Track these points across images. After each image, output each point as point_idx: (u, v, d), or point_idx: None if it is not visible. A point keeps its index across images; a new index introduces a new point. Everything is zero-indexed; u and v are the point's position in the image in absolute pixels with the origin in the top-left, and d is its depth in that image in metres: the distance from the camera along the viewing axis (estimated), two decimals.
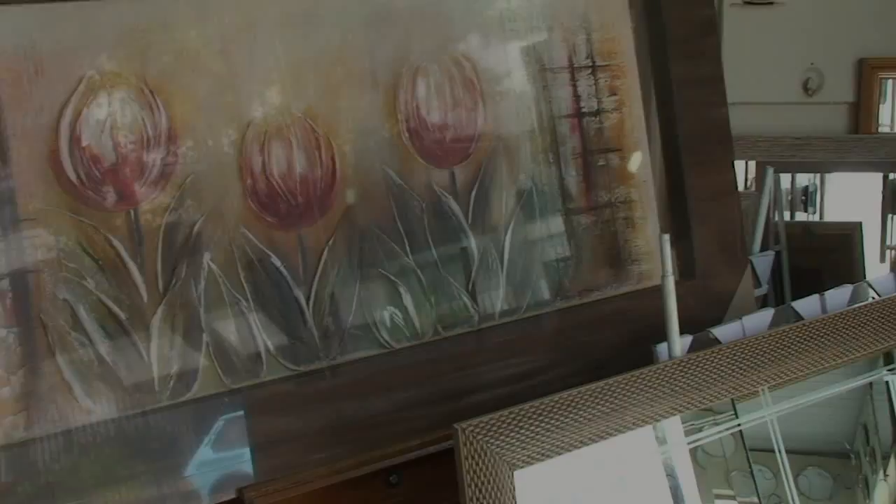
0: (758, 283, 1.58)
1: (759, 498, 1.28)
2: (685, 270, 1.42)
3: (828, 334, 1.28)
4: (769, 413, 1.27)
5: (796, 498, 1.30)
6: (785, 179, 2.19)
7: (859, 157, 1.95)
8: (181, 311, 1.09)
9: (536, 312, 1.31)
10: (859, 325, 1.31)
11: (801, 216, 2.21)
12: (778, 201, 2.05)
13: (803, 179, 2.28)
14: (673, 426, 1.19)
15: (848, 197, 2.17)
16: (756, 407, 1.27)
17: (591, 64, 1.35)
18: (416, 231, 1.22)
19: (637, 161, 1.39)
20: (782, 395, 1.30)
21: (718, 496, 1.27)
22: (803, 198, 2.47)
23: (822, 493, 1.40)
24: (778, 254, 1.97)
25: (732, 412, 1.25)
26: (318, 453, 1.14)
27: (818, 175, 2.18)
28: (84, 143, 1.03)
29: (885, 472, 1.42)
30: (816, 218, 2.19)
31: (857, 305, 1.33)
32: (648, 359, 1.22)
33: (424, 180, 1.23)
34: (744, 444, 1.28)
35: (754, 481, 1.28)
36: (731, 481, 1.28)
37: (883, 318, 1.33)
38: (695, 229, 1.41)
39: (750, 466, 1.28)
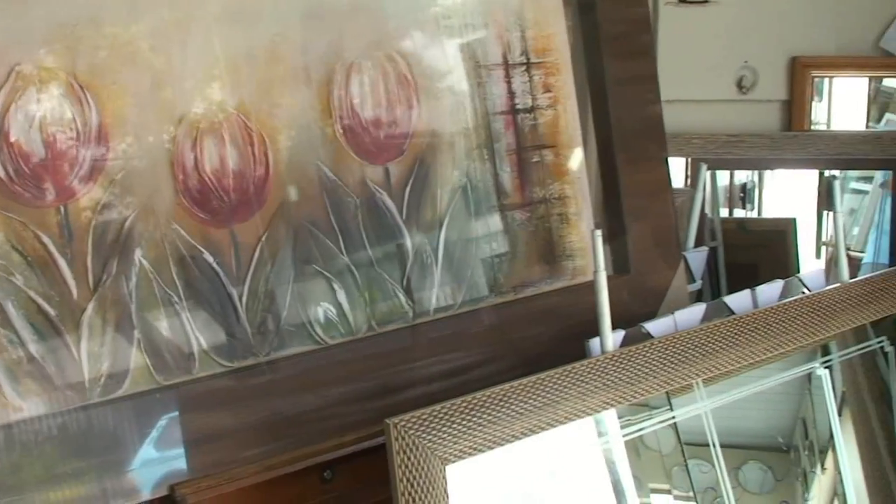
0: (691, 279, 1.60)
1: (693, 492, 1.29)
2: (619, 266, 1.43)
3: (758, 329, 1.30)
4: (703, 405, 1.29)
5: (731, 491, 1.32)
6: (724, 176, 2.22)
7: (792, 154, 1.98)
8: (112, 307, 1.08)
9: (471, 308, 1.31)
10: (789, 320, 1.33)
11: (740, 213, 2.24)
12: (714, 198, 2.07)
13: (742, 176, 2.31)
14: (610, 421, 1.20)
15: (787, 194, 2.20)
16: (692, 401, 1.29)
17: (525, 61, 1.36)
18: (351, 227, 1.22)
19: (571, 158, 1.40)
20: (718, 388, 1.31)
21: (655, 490, 1.29)
22: (742, 195, 2.50)
23: (761, 487, 1.42)
24: (714, 249, 1.99)
25: (668, 406, 1.27)
26: (251, 449, 1.14)
27: (757, 172, 2.20)
28: (12, 139, 1.02)
29: (822, 465, 1.44)
30: (755, 215, 2.21)
31: (786, 300, 1.36)
32: (582, 354, 1.23)
33: (359, 176, 1.22)
34: (678, 437, 1.30)
35: (689, 475, 1.30)
36: (671, 476, 1.30)
37: (812, 312, 1.35)
38: (629, 225, 1.43)
39: (685, 460, 1.30)
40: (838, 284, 1.42)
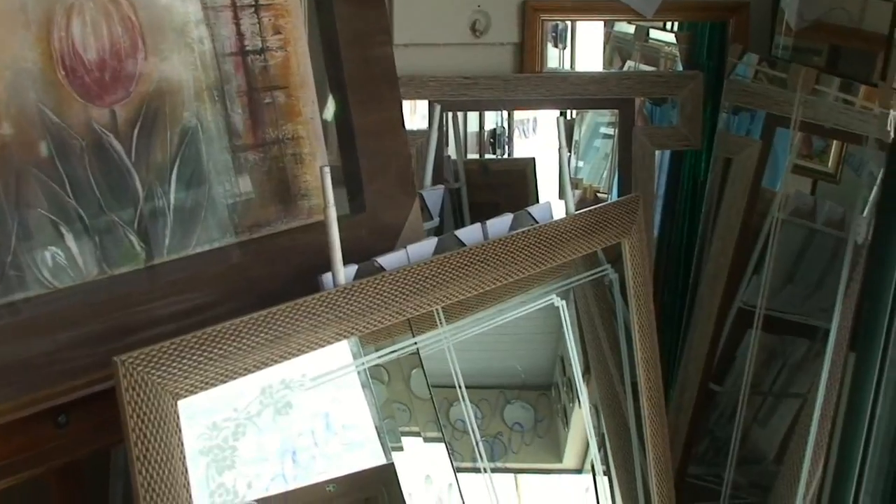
0: (428, 216, 1.65)
1: (442, 433, 1.35)
2: (355, 204, 1.46)
3: (488, 259, 1.36)
4: (443, 333, 1.34)
5: (475, 424, 1.39)
6: (473, 122, 2.28)
7: (525, 96, 2.04)
8: None
9: (206, 248, 1.32)
10: (517, 251, 1.39)
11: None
12: (457, 140, 2.13)
13: (491, 122, 2.38)
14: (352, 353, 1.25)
15: (538, 136, 2.28)
16: (437, 337, 1.35)
17: (254, 3, 1.36)
18: (77, 170, 1.20)
19: (303, 99, 1.41)
20: (463, 324, 1.37)
21: (407, 433, 1.34)
22: (492, 140, 2.58)
23: (525, 425, 1.49)
24: (458, 190, 2.05)
25: (412, 342, 1.32)
26: None
27: (506, 118, 2.27)
28: None
29: (579, 400, 1.52)
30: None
31: (514, 232, 1.42)
32: (317, 290, 1.26)
33: (84, 119, 1.20)
34: (423, 370, 1.35)
35: (435, 409, 1.35)
36: (430, 421, 1.36)
37: (539, 243, 1.42)
38: (363, 165, 1.45)
39: (430, 393, 1.35)
40: (563, 217, 1.49)
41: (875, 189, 1.65)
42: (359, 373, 1.27)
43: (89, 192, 1.21)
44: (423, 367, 1.35)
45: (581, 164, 2.45)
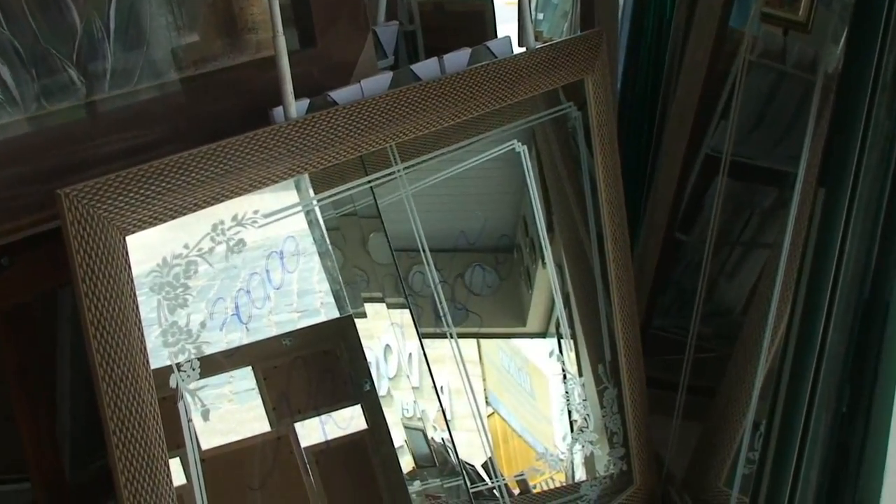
0: (383, 55, 1.59)
1: (404, 296, 1.33)
2: (305, 39, 1.40)
3: (445, 94, 1.31)
4: (399, 171, 1.31)
5: (435, 274, 1.36)
6: None
7: None
8: None
9: (150, 84, 1.27)
10: (475, 86, 1.34)
11: None
12: None
13: None
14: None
15: None
16: (392, 177, 1.31)
17: None
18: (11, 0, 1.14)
19: None
20: (421, 163, 1.34)
21: (370, 300, 1.31)
22: None
23: (487, 287, 1.46)
24: (414, 33, 1.99)
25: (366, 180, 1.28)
26: None
27: None
28: None
29: (542, 261, 1.49)
30: None
31: (472, 66, 1.37)
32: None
33: None
34: (380, 217, 1.31)
35: (398, 270, 1.32)
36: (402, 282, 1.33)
37: (498, 78, 1.37)
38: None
39: (388, 240, 1.32)
40: (524, 51, 1.44)
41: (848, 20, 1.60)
42: (316, 241, 1.24)
43: (24, 23, 1.15)
44: (384, 227, 1.31)
45: (541, 16, 2.39)
